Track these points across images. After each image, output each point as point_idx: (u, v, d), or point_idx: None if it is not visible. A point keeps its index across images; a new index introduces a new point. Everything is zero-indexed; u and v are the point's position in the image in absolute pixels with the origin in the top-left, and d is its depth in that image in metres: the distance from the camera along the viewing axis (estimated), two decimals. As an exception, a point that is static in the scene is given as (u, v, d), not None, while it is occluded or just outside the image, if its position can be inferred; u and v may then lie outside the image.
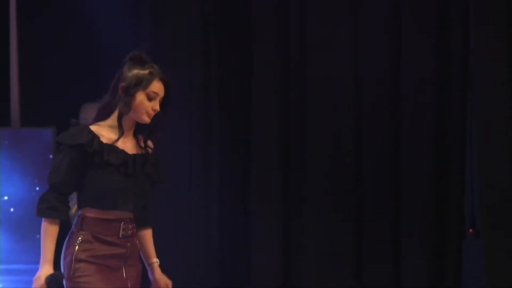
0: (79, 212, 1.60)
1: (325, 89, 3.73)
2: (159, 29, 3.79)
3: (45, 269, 1.54)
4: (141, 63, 1.59)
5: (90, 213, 1.57)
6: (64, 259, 1.56)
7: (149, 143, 1.67)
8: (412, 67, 3.70)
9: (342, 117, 3.73)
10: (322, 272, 3.65)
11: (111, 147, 1.55)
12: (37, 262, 3.41)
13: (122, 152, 1.56)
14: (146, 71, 1.57)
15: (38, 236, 3.37)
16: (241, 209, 3.78)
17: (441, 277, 3.62)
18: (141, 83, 1.55)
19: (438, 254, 3.64)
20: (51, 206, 1.54)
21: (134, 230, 1.63)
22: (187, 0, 3.80)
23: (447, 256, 3.63)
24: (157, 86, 1.59)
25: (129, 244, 1.60)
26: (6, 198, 3.71)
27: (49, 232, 1.56)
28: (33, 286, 1.55)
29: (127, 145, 1.61)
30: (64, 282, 1.55)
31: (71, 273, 1.53)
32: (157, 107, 1.59)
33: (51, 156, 3.65)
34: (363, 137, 3.73)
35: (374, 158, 3.72)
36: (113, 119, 1.60)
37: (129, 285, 1.59)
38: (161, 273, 1.74)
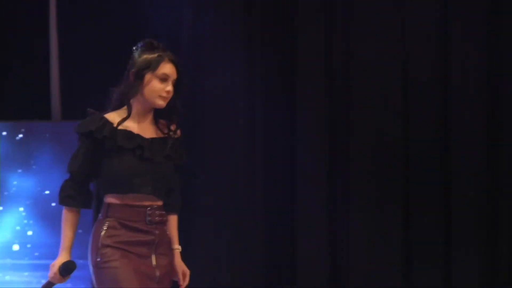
0: (104, 200, 1.61)
1: (371, 76, 3.62)
2: (201, 19, 3.68)
3: (61, 257, 1.58)
4: (151, 49, 1.60)
5: (113, 199, 1.57)
6: (91, 245, 1.58)
7: (173, 126, 1.67)
8: (462, 55, 3.55)
9: (390, 109, 3.61)
10: (369, 272, 3.52)
11: (125, 132, 1.57)
12: (79, 256, 3.50)
13: (137, 136, 1.57)
14: (155, 55, 1.58)
15: (80, 231, 3.52)
16: (287, 208, 3.68)
17: (493, 277, 3.47)
18: (149, 66, 1.56)
19: (490, 254, 3.50)
20: (67, 194, 1.58)
21: (164, 218, 1.62)
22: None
23: (499, 256, 3.49)
24: (167, 68, 1.59)
25: (157, 232, 1.59)
26: (47, 192, 3.66)
27: (67, 219, 1.59)
28: (49, 273, 1.57)
29: (145, 129, 1.61)
30: (90, 268, 1.58)
31: (98, 259, 1.54)
32: (170, 89, 1.59)
33: None
34: (411, 139, 3.60)
35: (422, 154, 3.56)
36: (125, 107, 1.63)
37: (157, 273, 1.57)
38: (181, 261, 1.71)
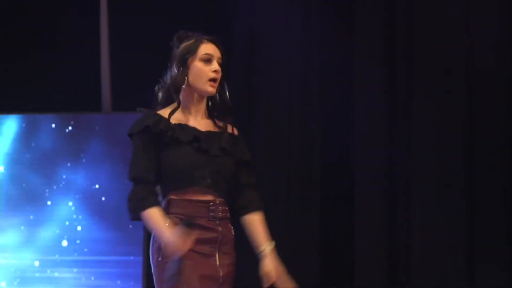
0: (164, 198, 1.55)
1: (434, 58, 3.38)
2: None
3: (168, 233, 1.43)
4: (187, 37, 1.57)
5: (174, 195, 1.52)
6: (153, 245, 1.51)
7: (229, 127, 1.65)
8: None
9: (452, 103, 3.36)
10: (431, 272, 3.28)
11: (180, 126, 1.52)
12: (130, 253, 3.44)
13: (193, 129, 1.54)
14: (192, 40, 1.55)
15: (130, 226, 3.49)
16: (344, 207, 3.48)
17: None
18: (190, 51, 1.53)
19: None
20: (139, 199, 1.50)
21: (227, 214, 1.55)
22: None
23: None
24: (207, 47, 1.55)
25: (220, 228, 1.51)
26: (97, 186, 3.60)
27: (151, 219, 1.48)
28: (169, 251, 1.42)
29: (200, 123, 1.57)
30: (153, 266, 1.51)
31: (160, 259, 1.47)
32: (217, 67, 1.53)
33: None
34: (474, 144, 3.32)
35: (486, 150, 3.30)
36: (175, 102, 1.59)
37: (221, 273, 1.50)
38: (270, 264, 1.56)
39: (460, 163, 3.28)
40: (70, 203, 3.59)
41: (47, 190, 3.62)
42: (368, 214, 3.39)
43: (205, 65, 1.53)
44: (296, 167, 3.48)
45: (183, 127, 1.52)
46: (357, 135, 3.45)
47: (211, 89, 1.54)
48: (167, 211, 1.51)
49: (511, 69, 3.28)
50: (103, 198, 3.56)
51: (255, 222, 1.61)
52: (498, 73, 3.29)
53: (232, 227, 1.59)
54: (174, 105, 1.58)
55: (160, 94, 1.64)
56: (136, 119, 1.58)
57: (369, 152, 3.42)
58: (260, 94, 3.52)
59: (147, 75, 3.63)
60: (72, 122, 3.66)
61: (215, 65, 1.53)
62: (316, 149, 3.49)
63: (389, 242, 3.38)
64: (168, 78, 1.59)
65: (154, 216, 1.47)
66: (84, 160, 3.63)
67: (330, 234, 3.48)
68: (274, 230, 3.13)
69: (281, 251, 3.15)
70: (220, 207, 1.52)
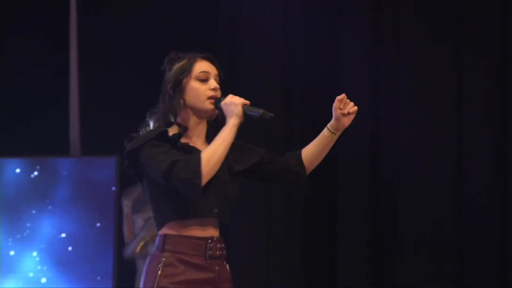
0: (159, 232, 1.38)
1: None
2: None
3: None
4: (179, 58, 1.44)
5: (172, 229, 1.36)
6: (144, 284, 1.36)
7: None
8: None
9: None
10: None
11: (188, 146, 1.38)
12: None
13: (199, 151, 1.37)
14: (185, 60, 1.43)
15: (99, 278, 3.36)
16: (327, 208, 3.44)
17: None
18: (183, 72, 1.41)
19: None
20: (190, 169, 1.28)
21: (224, 251, 1.43)
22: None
23: None
24: (202, 65, 1.42)
25: (217, 268, 1.38)
26: (64, 235, 3.43)
27: (214, 147, 1.32)
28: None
29: (203, 148, 1.39)
30: None
31: None
32: (215, 85, 1.40)
33: (113, 189, 3.40)
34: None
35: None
36: (174, 126, 1.41)
37: None
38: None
39: (453, 167, 3.27)
40: (35, 253, 3.43)
41: (10, 239, 3.46)
42: (350, 215, 3.37)
43: (202, 84, 1.41)
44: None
45: (191, 149, 1.38)
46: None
47: (209, 105, 1.41)
48: (162, 247, 1.37)
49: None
50: (70, 248, 3.39)
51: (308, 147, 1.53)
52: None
53: (227, 266, 1.46)
54: (175, 127, 1.43)
55: (151, 123, 1.54)
56: (140, 135, 1.40)
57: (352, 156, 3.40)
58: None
59: (118, 118, 3.65)
60: (38, 167, 3.54)
61: (212, 83, 1.42)
62: (295, 142, 3.41)
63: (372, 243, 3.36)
64: (162, 104, 1.46)
65: (212, 145, 1.32)
66: (50, 207, 3.48)
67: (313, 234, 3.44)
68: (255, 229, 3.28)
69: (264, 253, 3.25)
70: (218, 244, 1.40)
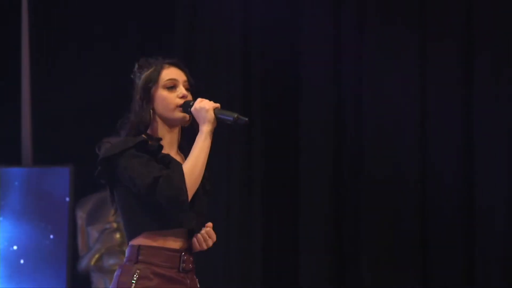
0: (130, 243, 1.32)
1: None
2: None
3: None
4: (148, 65, 1.39)
5: (147, 240, 1.30)
6: None
7: None
8: None
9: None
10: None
11: (168, 156, 1.33)
12: None
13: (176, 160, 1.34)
14: (152, 68, 1.38)
15: None
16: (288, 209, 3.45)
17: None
18: (150, 80, 1.36)
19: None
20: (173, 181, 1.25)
21: (194, 265, 1.37)
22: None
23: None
24: (169, 73, 1.37)
25: (188, 281, 1.34)
26: (15, 248, 3.33)
27: (193, 157, 1.29)
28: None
29: (177, 158, 1.36)
30: None
31: None
32: (184, 92, 1.35)
33: (67, 199, 3.31)
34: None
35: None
36: (145, 136, 1.35)
37: None
38: None
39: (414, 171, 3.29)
40: (-15, 267, 3.31)
41: (-42, 253, 3.33)
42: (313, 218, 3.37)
43: (170, 92, 1.36)
44: (236, 154, 3.46)
45: (170, 160, 1.33)
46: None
47: (182, 114, 1.36)
48: (135, 258, 1.30)
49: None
50: (22, 261, 3.30)
51: None
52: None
53: (197, 280, 1.41)
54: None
55: (122, 132, 1.40)
56: (116, 142, 1.34)
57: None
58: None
59: (70, 128, 3.59)
60: (-13, 177, 3.42)
61: (181, 90, 1.37)
62: (257, 133, 3.44)
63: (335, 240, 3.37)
64: (132, 114, 1.38)
65: (191, 157, 1.29)
66: (1, 218, 3.37)
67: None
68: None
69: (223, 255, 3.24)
70: (190, 257, 1.36)
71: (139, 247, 1.29)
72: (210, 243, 1.38)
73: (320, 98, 3.40)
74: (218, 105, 1.32)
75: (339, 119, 3.41)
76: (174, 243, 1.32)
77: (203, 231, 1.35)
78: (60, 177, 3.42)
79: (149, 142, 1.32)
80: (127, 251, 1.34)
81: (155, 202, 1.25)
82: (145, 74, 1.38)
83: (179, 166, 1.28)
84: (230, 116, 1.30)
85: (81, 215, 3.29)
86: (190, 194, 1.25)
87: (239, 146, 3.47)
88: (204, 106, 1.29)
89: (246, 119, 1.32)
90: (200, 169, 1.28)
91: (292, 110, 3.42)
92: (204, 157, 1.29)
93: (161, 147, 1.32)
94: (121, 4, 3.67)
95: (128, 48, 3.58)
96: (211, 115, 1.29)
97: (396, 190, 3.30)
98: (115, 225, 3.16)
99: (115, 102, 3.25)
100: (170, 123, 1.38)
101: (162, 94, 1.36)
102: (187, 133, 1.41)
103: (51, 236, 3.25)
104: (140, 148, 1.28)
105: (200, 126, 1.30)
